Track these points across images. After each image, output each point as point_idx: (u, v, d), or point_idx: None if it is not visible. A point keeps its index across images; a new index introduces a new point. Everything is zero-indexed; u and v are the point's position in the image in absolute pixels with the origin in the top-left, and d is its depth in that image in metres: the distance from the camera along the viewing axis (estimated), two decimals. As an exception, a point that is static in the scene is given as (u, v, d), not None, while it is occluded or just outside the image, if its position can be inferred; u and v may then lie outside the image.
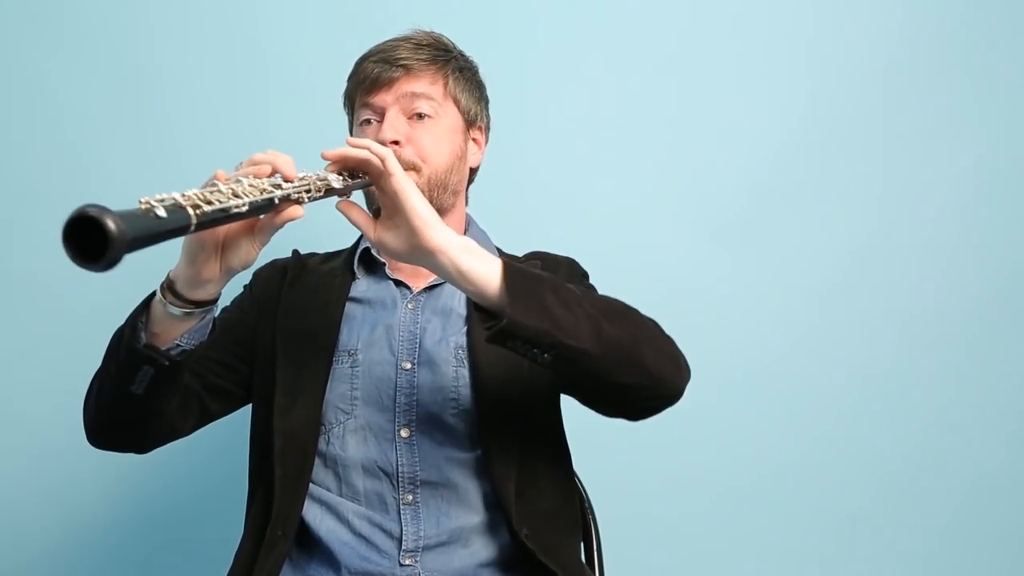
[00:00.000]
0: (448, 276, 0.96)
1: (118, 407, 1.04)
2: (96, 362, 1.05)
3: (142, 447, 1.14)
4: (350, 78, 1.21)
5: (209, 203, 0.75)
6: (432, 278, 1.19)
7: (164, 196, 0.71)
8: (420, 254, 0.95)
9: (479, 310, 0.97)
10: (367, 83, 1.16)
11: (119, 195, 1.66)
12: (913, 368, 1.71)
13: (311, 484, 1.10)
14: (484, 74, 1.28)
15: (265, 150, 0.93)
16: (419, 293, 1.18)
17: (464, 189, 1.25)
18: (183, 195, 0.73)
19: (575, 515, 1.20)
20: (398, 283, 1.20)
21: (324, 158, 0.96)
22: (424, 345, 1.13)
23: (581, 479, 1.31)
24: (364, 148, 0.95)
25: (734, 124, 1.74)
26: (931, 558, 1.70)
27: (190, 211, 0.72)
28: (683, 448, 1.69)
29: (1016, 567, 1.70)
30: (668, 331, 1.08)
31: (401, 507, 1.08)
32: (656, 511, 1.68)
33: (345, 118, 1.28)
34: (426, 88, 1.16)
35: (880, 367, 1.71)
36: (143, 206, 0.68)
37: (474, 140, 1.25)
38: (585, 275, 1.28)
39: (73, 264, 0.64)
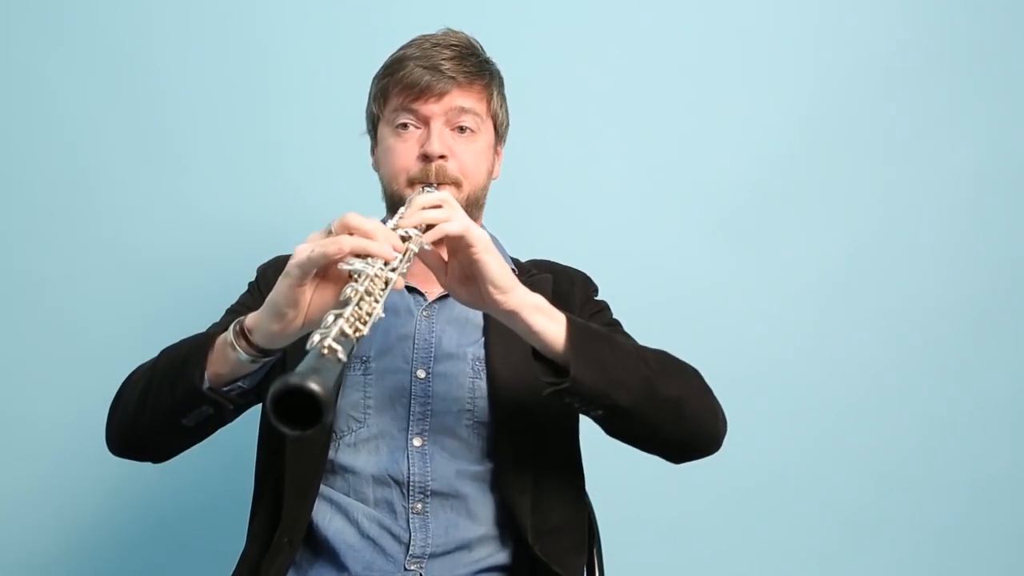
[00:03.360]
0: (517, 330, 0.99)
1: (160, 433, 1.04)
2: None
3: (163, 459, 1.13)
4: (388, 75, 1.16)
5: (364, 321, 0.78)
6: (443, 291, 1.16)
7: (335, 332, 0.73)
8: (492, 312, 0.98)
9: (539, 361, 1.00)
10: (416, 89, 1.12)
11: (118, 194, 1.67)
12: (913, 368, 1.72)
13: (323, 487, 1.10)
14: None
15: (351, 219, 0.90)
16: (434, 301, 1.17)
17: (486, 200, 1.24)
18: (346, 320, 0.76)
19: (583, 531, 1.20)
20: (411, 289, 1.18)
21: (401, 226, 0.94)
22: (439, 355, 1.11)
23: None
24: (444, 218, 0.94)
25: (737, 124, 1.74)
26: (931, 558, 1.70)
27: (353, 337, 0.75)
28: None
29: (1016, 567, 1.70)
30: (670, 335, 1.10)
31: (410, 515, 1.07)
32: (656, 511, 1.68)
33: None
34: (473, 104, 1.15)
35: (880, 367, 1.71)
36: (326, 352, 0.71)
37: (497, 152, 1.24)
38: (596, 291, 1.28)
39: (283, 426, 0.67)
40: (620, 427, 1.05)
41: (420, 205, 0.97)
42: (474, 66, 1.16)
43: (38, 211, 1.68)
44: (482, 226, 1.24)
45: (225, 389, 0.97)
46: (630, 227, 1.72)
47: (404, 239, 0.91)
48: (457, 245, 0.95)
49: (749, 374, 1.70)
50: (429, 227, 0.94)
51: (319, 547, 1.08)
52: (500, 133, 1.22)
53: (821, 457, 1.70)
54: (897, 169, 1.74)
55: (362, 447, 1.09)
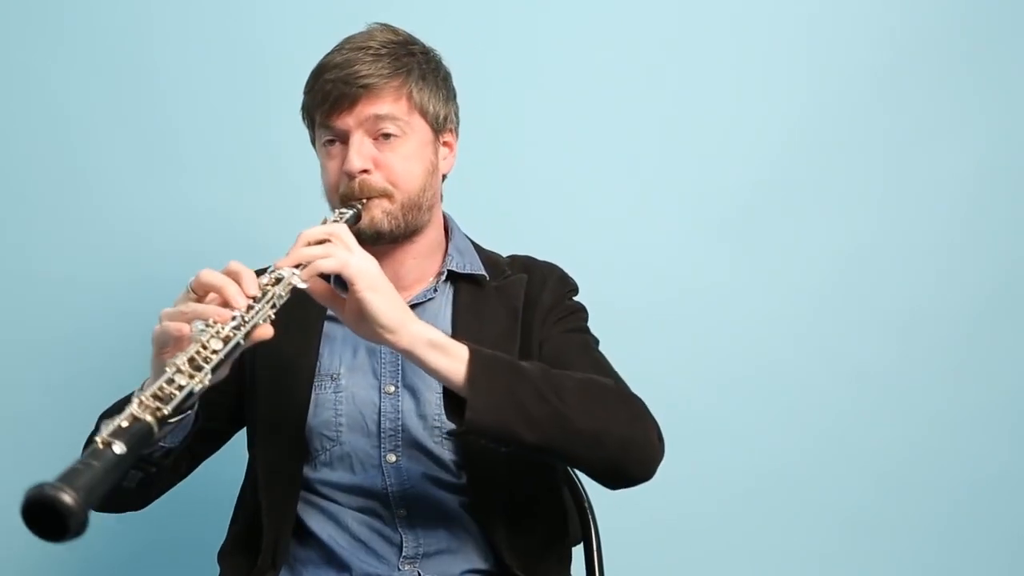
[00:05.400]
0: (420, 368, 0.97)
1: (112, 495, 1.03)
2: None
3: (139, 509, 1.12)
4: (307, 92, 1.13)
5: (169, 399, 0.73)
6: (414, 294, 1.14)
7: (122, 418, 0.69)
8: (391, 348, 0.96)
9: (448, 396, 0.98)
10: (326, 104, 1.08)
11: (118, 194, 1.67)
12: (913, 368, 1.71)
13: (310, 495, 1.10)
14: (464, 72, 1.20)
15: (228, 265, 0.90)
16: None
17: (439, 199, 1.18)
18: (140, 402, 0.71)
19: (566, 544, 1.20)
20: None
21: (278, 267, 0.92)
22: (407, 367, 1.09)
23: (581, 481, 1.30)
24: (320, 256, 0.92)
25: (735, 124, 1.73)
26: (931, 558, 1.70)
27: (150, 419, 0.71)
28: (683, 448, 1.68)
29: (1016, 567, 1.70)
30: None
31: (397, 520, 1.08)
32: (656, 512, 1.68)
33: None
34: (390, 107, 1.08)
35: (880, 367, 1.71)
36: (100, 444, 0.67)
37: (445, 144, 1.17)
38: (574, 290, 1.23)
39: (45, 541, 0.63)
40: (537, 460, 1.03)
41: (304, 241, 0.95)
42: (387, 66, 1.08)
43: (38, 211, 1.68)
44: (447, 224, 1.20)
45: (148, 452, 0.95)
46: (629, 227, 1.72)
47: (278, 281, 0.89)
48: (346, 280, 0.93)
49: (749, 374, 1.70)
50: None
51: (316, 549, 1.09)
52: (438, 126, 1.14)
53: (821, 457, 1.70)
54: (896, 169, 1.74)
55: (337, 465, 1.09)
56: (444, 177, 1.20)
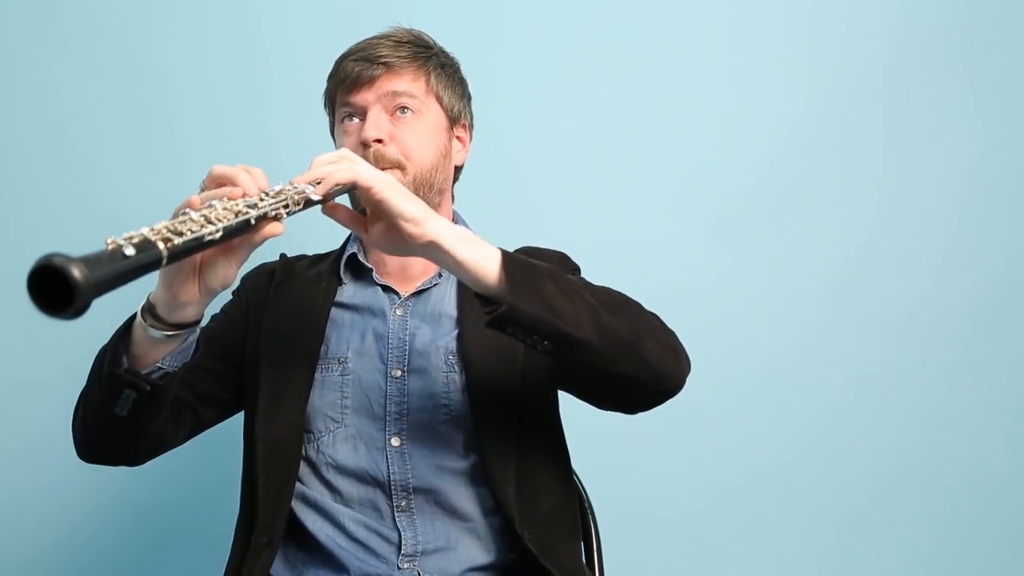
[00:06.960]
0: (446, 267, 0.96)
1: (103, 427, 1.03)
2: (88, 361, 1.04)
3: (133, 461, 1.12)
4: (330, 78, 1.19)
5: (180, 234, 0.74)
6: (420, 282, 1.18)
7: (133, 233, 0.70)
8: (417, 250, 0.95)
9: (479, 297, 0.96)
10: (348, 82, 1.14)
11: (119, 194, 1.68)
12: (912, 368, 1.72)
13: (306, 489, 1.10)
14: (467, 71, 1.26)
15: (235, 165, 0.90)
16: (407, 298, 1.17)
17: (450, 187, 1.23)
18: (152, 229, 0.72)
19: (575, 516, 1.20)
20: (386, 288, 1.18)
21: (294, 183, 0.93)
22: (414, 352, 1.11)
23: (581, 480, 1.31)
24: (334, 169, 0.93)
25: (733, 123, 1.74)
26: (930, 558, 1.70)
27: (160, 245, 0.71)
28: (682, 448, 1.69)
29: (1015, 567, 1.71)
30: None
31: (396, 514, 1.08)
32: (655, 511, 1.68)
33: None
34: (408, 86, 1.14)
35: (877, 367, 1.72)
36: (110, 246, 0.67)
37: (458, 138, 1.23)
38: (577, 269, 1.26)
39: (43, 314, 0.64)
40: (572, 364, 1.01)
41: (318, 164, 0.96)
42: (407, 51, 1.15)
43: (38, 211, 1.69)
44: (454, 216, 1.24)
45: (146, 371, 0.96)
46: (627, 227, 1.72)
47: (285, 190, 0.90)
48: (363, 196, 0.94)
49: (746, 374, 1.70)
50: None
51: (314, 550, 1.09)
52: (453, 116, 1.20)
53: (819, 457, 1.70)
54: (895, 169, 1.74)
55: (340, 447, 1.10)
56: (458, 172, 1.24)
